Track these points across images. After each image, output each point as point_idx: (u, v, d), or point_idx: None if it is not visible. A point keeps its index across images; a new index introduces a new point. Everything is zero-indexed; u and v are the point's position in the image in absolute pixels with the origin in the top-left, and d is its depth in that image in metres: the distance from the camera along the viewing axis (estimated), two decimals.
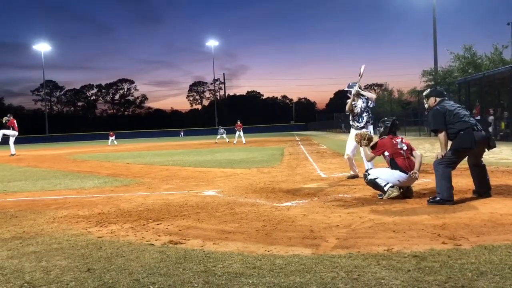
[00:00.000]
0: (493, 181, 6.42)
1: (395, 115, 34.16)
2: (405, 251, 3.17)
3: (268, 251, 3.31)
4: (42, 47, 71.82)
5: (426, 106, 5.51)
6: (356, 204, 5.16)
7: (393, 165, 5.52)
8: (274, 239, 3.69)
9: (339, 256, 3.11)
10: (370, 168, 6.12)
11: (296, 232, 3.88)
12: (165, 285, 2.69)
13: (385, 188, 5.41)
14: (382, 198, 5.40)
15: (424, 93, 5.58)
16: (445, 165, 5.01)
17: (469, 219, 4.11)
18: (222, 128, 31.56)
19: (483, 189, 5.30)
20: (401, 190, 5.42)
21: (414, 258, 2.98)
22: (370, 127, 7.61)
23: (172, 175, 9.26)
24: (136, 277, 2.84)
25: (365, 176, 5.70)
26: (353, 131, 7.60)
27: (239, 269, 2.91)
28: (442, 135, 5.06)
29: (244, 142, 26.74)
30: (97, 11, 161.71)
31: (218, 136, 30.08)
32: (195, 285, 2.68)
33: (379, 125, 5.94)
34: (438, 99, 5.28)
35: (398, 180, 5.40)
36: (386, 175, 5.49)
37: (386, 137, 5.78)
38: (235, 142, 26.91)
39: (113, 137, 39.10)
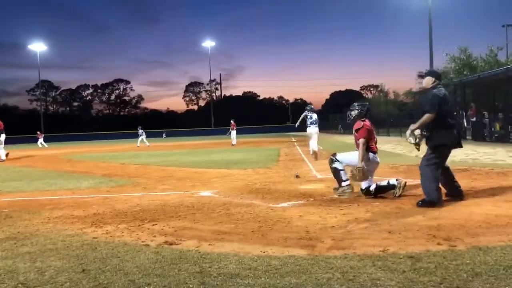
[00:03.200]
0: (488, 182, 6.46)
1: (391, 116, 34.42)
2: (400, 252, 3.18)
3: (264, 252, 3.31)
4: (38, 46, 71.33)
5: (423, 84, 5.47)
6: (351, 205, 5.17)
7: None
8: (269, 240, 3.69)
9: (335, 257, 3.11)
10: (337, 154, 6.02)
11: (292, 233, 3.88)
12: (160, 286, 2.68)
13: (342, 184, 5.68)
14: (334, 191, 5.79)
15: (424, 71, 5.61)
16: (430, 166, 5.04)
17: (464, 220, 4.13)
18: (141, 130, 29.58)
19: (454, 191, 5.30)
20: (352, 191, 5.69)
21: (410, 259, 2.99)
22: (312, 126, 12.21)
23: (168, 176, 9.25)
24: (131, 278, 2.83)
25: (332, 160, 5.84)
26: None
27: (235, 270, 2.91)
28: (429, 117, 5.02)
29: (234, 143, 25.27)
30: (94, 10, 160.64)
31: (139, 139, 28.82)
32: (191, 286, 2.67)
33: (355, 108, 5.97)
34: (436, 81, 5.25)
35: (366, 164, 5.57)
36: (355, 160, 5.60)
37: (367, 120, 5.84)
38: (234, 143, 25.48)
39: (41, 138, 36.21)
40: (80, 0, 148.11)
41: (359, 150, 5.65)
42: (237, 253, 3.32)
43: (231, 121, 26.42)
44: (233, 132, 26.22)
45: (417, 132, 5.33)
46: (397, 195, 5.52)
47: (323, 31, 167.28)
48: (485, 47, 28.10)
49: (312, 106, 13.26)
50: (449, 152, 5.24)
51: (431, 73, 5.46)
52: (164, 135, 62.94)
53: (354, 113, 5.95)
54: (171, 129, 71.04)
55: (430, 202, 4.92)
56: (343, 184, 5.68)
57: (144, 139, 29.25)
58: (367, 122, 5.80)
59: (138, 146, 27.94)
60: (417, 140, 5.31)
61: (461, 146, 5.30)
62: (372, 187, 5.62)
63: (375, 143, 5.87)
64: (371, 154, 5.69)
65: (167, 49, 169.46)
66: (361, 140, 5.61)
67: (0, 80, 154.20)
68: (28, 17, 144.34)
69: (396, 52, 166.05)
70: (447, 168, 5.32)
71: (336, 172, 5.78)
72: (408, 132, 5.31)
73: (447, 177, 5.31)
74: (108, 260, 3.24)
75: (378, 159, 5.88)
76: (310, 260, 3.05)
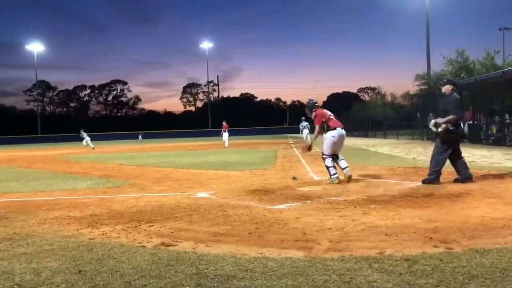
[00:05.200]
0: (485, 185, 6.48)
1: (388, 119, 34.48)
2: (397, 254, 3.18)
3: (261, 254, 3.30)
4: (35, 47, 71.21)
5: (443, 90, 7.05)
6: (348, 207, 5.17)
7: (327, 127, 7.49)
8: (266, 241, 3.69)
9: (332, 259, 3.11)
10: (328, 155, 7.51)
11: (288, 235, 3.88)
12: (157, 287, 2.67)
13: (332, 177, 7.28)
14: (328, 182, 7.27)
15: (444, 80, 7.22)
16: (437, 152, 6.77)
17: (460, 223, 4.14)
18: (84, 133, 28.92)
19: (466, 174, 6.74)
20: (340, 180, 7.25)
21: (406, 262, 2.99)
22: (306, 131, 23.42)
23: (165, 177, 9.23)
24: (128, 279, 2.82)
25: (323, 159, 7.50)
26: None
27: (231, 272, 2.90)
28: (455, 118, 6.65)
29: (226, 146, 24.07)
30: (91, 11, 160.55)
31: (85, 142, 28.08)
32: (187, 287, 2.66)
33: (306, 106, 8.05)
34: (454, 88, 6.88)
35: (333, 141, 7.39)
36: (328, 147, 7.41)
37: (318, 109, 7.78)
38: (226, 145, 24.31)
39: None
40: (78, 0, 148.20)
41: (314, 132, 7.76)
42: (234, 254, 3.31)
43: (223, 123, 25.32)
44: (225, 134, 24.94)
45: (444, 126, 6.66)
46: (328, 181, 7.25)
47: (321, 33, 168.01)
48: (482, 50, 28.28)
49: (303, 118, 22.50)
50: (454, 143, 6.74)
51: (450, 82, 7.09)
52: (140, 137, 61.59)
53: (307, 110, 8.00)
54: (167, 130, 70.81)
55: (429, 181, 6.69)
56: (332, 176, 7.29)
57: (89, 142, 28.62)
58: (318, 110, 7.76)
59: (93, 148, 27.42)
60: (440, 130, 6.70)
61: (463, 139, 7.09)
62: (325, 163, 7.42)
63: (334, 118, 7.59)
64: (332, 132, 7.43)
65: (165, 50, 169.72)
66: (316, 126, 7.65)
67: None
68: (26, 17, 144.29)
69: (393, 55, 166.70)
70: (461, 156, 6.81)
71: (327, 168, 7.44)
72: (433, 122, 6.85)
73: (461, 163, 6.78)
74: (105, 261, 3.23)
75: (338, 134, 7.44)
76: (307, 262, 3.05)
